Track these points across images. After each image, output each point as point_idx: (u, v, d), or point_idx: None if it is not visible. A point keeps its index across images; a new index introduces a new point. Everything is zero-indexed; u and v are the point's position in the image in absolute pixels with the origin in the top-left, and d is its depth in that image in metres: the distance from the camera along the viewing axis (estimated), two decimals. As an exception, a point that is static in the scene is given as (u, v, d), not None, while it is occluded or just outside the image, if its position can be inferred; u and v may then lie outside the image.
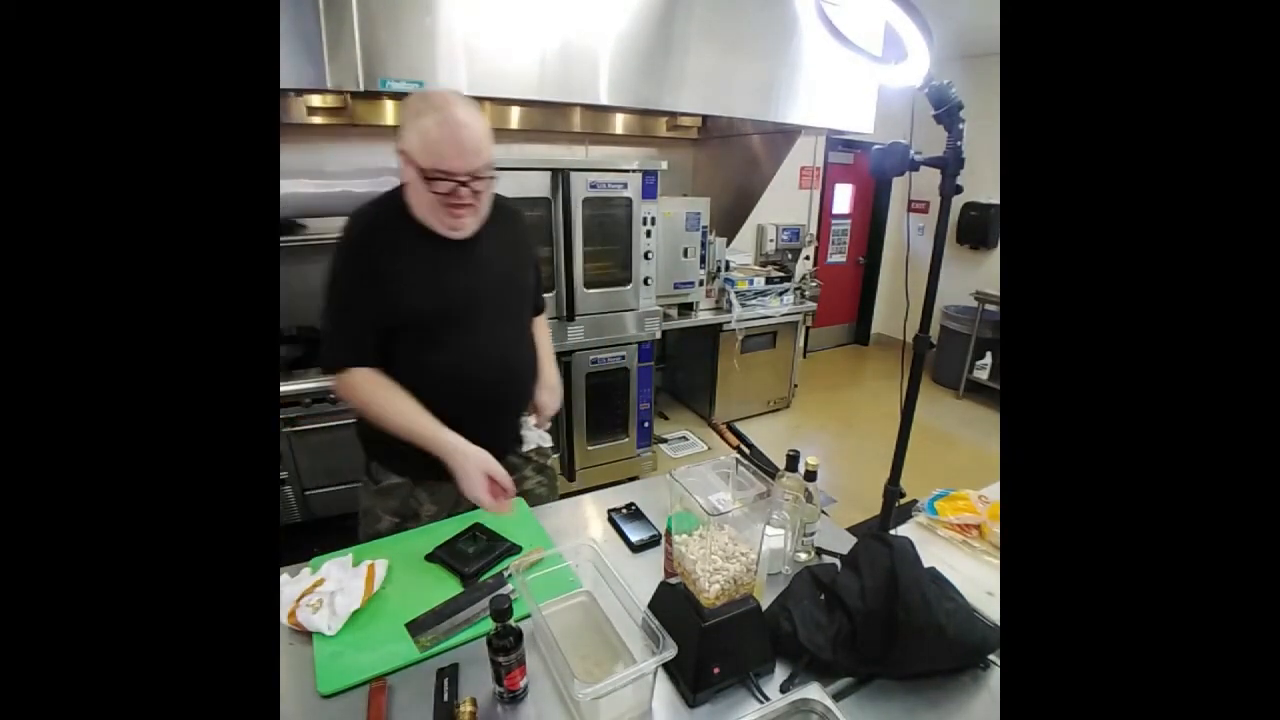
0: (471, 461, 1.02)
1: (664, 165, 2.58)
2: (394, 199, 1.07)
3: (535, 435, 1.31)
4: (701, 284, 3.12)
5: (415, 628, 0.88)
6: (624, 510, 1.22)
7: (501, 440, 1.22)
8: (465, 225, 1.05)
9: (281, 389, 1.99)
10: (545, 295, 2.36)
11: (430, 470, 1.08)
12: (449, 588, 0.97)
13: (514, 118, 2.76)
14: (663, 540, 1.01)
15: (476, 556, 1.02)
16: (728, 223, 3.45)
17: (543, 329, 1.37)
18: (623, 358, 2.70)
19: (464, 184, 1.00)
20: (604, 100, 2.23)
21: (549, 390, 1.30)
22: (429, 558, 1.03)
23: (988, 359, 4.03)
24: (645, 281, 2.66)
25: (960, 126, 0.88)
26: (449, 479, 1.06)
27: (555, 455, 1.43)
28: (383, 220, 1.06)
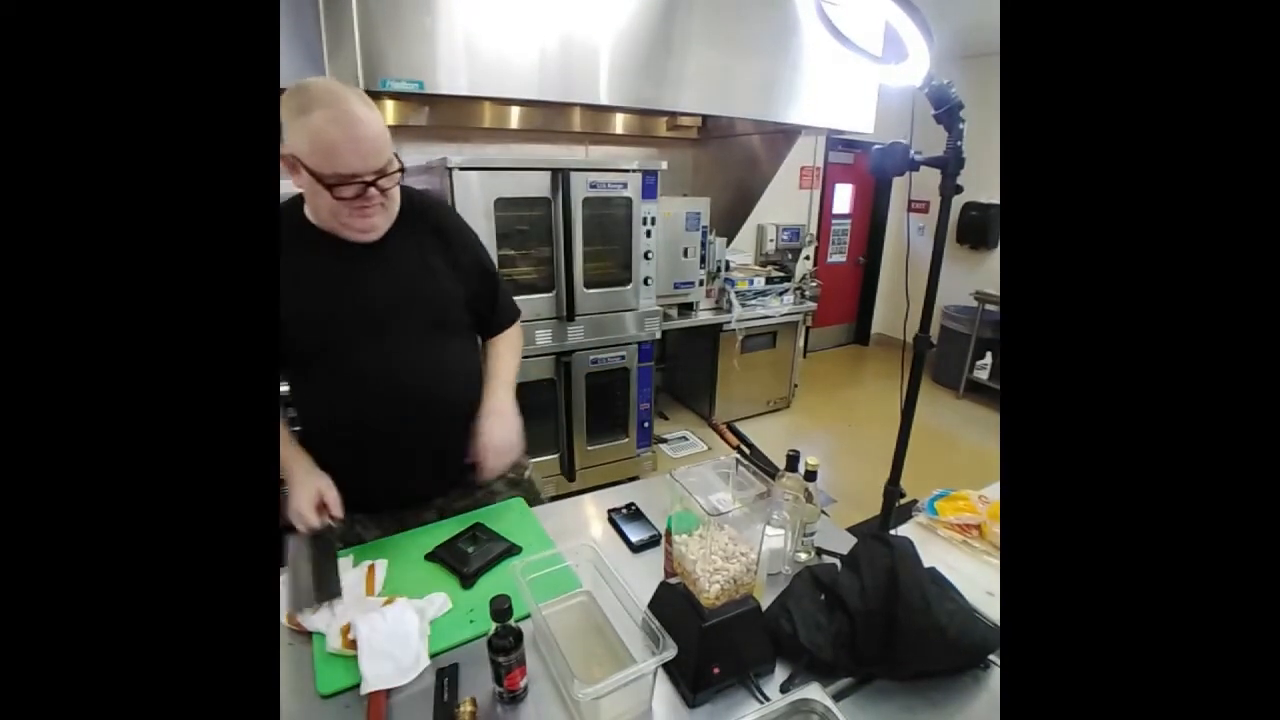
0: (298, 488, 0.99)
1: (664, 165, 2.57)
2: (291, 209, 0.99)
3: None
4: (701, 284, 3.12)
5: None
6: (624, 510, 1.21)
7: (424, 466, 1.13)
8: (376, 226, 0.97)
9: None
10: (544, 295, 2.39)
11: (363, 502, 1.08)
12: (449, 587, 0.97)
13: (514, 117, 2.76)
14: (663, 540, 1.00)
15: (476, 557, 1.02)
16: (728, 223, 3.45)
17: (503, 346, 1.20)
18: (622, 358, 2.70)
19: (371, 184, 0.90)
20: (604, 100, 2.23)
21: (485, 433, 1.08)
22: (429, 557, 1.03)
23: (988, 359, 4.02)
24: (645, 281, 2.66)
25: (961, 126, 0.89)
26: (382, 509, 1.12)
27: (530, 468, 1.30)
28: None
